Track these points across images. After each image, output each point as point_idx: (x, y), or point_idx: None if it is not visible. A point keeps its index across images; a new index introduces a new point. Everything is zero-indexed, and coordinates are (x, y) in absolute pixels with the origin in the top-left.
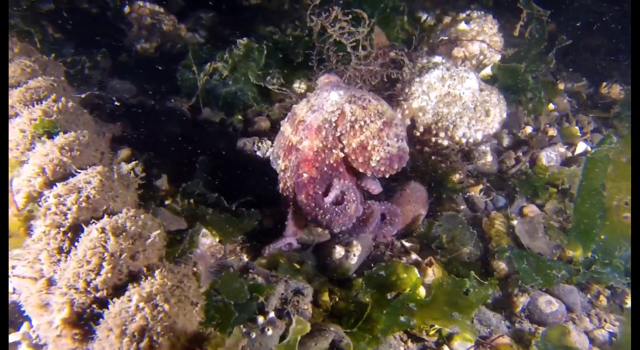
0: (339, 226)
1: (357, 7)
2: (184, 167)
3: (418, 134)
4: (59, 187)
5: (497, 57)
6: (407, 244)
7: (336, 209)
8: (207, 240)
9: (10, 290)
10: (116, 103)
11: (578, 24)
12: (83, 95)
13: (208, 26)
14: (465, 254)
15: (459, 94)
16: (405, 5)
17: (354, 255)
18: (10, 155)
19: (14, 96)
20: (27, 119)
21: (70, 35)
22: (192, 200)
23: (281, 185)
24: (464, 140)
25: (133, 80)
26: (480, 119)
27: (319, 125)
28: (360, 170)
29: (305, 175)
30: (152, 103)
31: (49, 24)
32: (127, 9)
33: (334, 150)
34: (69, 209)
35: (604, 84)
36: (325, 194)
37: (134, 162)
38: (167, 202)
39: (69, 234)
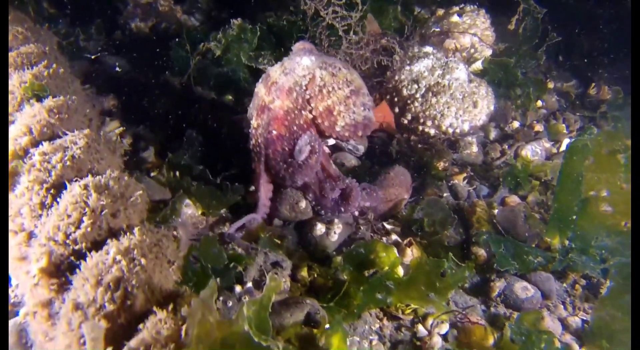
0: (301, 178)
1: None
2: (173, 142)
3: (406, 121)
4: (45, 146)
5: (489, 52)
6: (388, 226)
7: (299, 162)
8: (189, 210)
9: None
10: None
11: (570, 25)
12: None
13: (204, 10)
14: (446, 237)
15: (447, 84)
16: None
17: (335, 233)
18: None
19: (9, 60)
20: (16, 81)
21: (65, 10)
22: (177, 172)
23: (252, 141)
24: (450, 130)
25: (126, 57)
26: (468, 110)
27: (290, 87)
28: (326, 133)
29: (274, 132)
30: (143, 79)
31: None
32: None
33: (303, 112)
34: (54, 167)
35: (593, 84)
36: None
37: (121, 128)
38: (152, 174)
39: (52, 191)
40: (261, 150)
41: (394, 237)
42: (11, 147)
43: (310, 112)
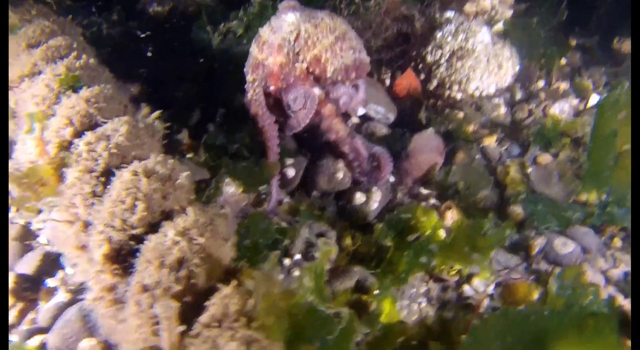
0: (290, 129)
1: None
2: (203, 123)
3: (432, 88)
4: (89, 135)
5: (509, 13)
6: (424, 191)
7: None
8: (230, 188)
9: (44, 241)
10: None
11: None
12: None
13: None
14: (482, 198)
15: (471, 47)
16: None
17: (374, 201)
18: (37, 109)
19: (36, 54)
20: (51, 74)
21: (82, 1)
22: (213, 152)
23: (250, 94)
24: (477, 93)
25: (147, 42)
26: (493, 72)
27: (279, 43)
28: (321, 80)
29: (272, 87)
30: (166, 63)
31: None
32: None
33: (296, 64)
34: (100, 155)
35: (616, 39)
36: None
37: (157, 112)
38: (188, 156)
39: (101, 179)
40: (260, 101)
41: (432, 201)
42: (56, 139)
43: (302, 62)
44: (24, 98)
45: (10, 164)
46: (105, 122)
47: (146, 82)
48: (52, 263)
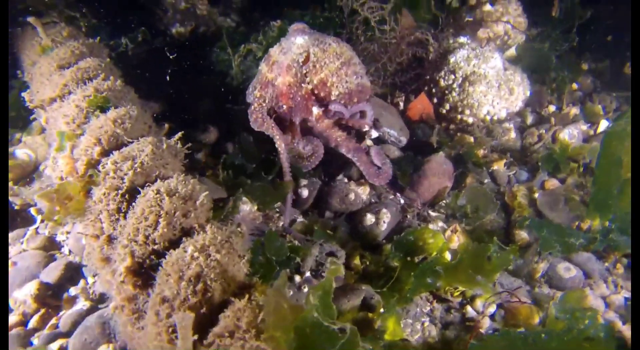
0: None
1: None
2: (222, 142)
3: (444, 111)
4: (116, 155)
5: (522, 37)
6: (433, 213)
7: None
8: (246, 206)
9: (66, 252)
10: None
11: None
12: None
13: (238, 9)
14: (489, 222)
15: (483, 72)
16: None
17: (384, 222)
18: (67, 128)
19: (67, 75)
20: (81, 95)
21: (106, 19)
22: (231, 171)
23: (254, 106)
24: (488, 118)
25: (170, 63)
26: (505, 97)
27: (289, 64)
28: (325, 101)
29: (284, 106)
30: (187, 82)
31: (86, 8)
32: None
33: (303, 85)
34: (126, 174)
35: (628, 63)
36: (303, 121)
37: (180, 133)
38: (207, 174)
39: (126, 196)
40: (266, 119)
41: (440, 224)
42: (85, 157)
43: (308, 84)
44: (55, 116)
45: (42, 180)
46: (131, 142)
47: (168, 100)
48: (74, 272)
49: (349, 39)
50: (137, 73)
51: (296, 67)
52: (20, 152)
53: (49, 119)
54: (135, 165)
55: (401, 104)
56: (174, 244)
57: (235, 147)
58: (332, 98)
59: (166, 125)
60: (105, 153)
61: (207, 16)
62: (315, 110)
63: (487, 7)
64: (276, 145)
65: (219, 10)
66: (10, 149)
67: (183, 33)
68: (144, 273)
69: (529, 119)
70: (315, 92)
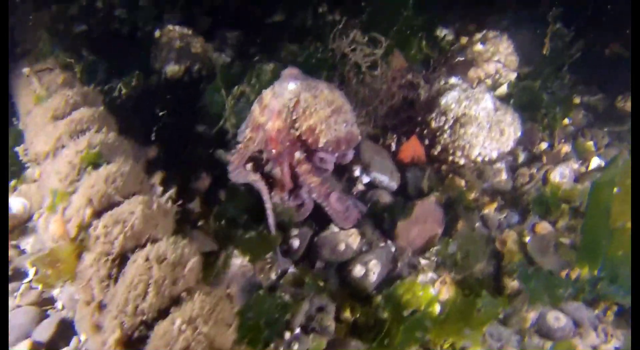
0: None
1: (375, 27)
2: (215, 189)
3: (436, 153)
4: (107, 218)
5: (513, 75)
6: (423, 261)
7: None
8: (237, 260)
9: (60, 306)
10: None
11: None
12: None
13: (234, 45)
14: (479, 270)
15: (474, 114)
16: (423, 20)
17: (374, 273)
18: (60, 185)
19: (61, 128)
20: (74, 151)
21: (103, 56)
22: (223, 222)
23: (241, 145)
24: (479, 159)
25: (163, 102)
26: (496, 138)
27: (280, 109)
28: (312, 147)
29: (273, 151)
30: (180, 124)
31: (83, 46)
32: (157, 33)
33: (291, 130)
34: (116, 239)
35: (620, 97)
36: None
37: (172, 190)
38: (200, 223)
39: (117, 262)
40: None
41: (430, 274)
42: (76, 219)
43: (297, 130)
44: (48, 172)
45: (34, 244)
46: (122, 201)
47: (162, 143)
48: (67, 329)
49: (341, 81)
50: (131, 115)
51: (286, 112)
52: (16, 202)
53: (43, 174)
54: (126, 230)
55: (393, 146)
56: (163, 313)
57: (226, 195)
58: (320, 145)
59: (159, 175)
60: (97, 213)
61: (202, 53)
62: (298, 155)
63: (478, 47)
64: (263, 198)
65: (214, 46)
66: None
67: (177, 72)
68: (133, 344)
69: (521, 158)
70: (303, 137)
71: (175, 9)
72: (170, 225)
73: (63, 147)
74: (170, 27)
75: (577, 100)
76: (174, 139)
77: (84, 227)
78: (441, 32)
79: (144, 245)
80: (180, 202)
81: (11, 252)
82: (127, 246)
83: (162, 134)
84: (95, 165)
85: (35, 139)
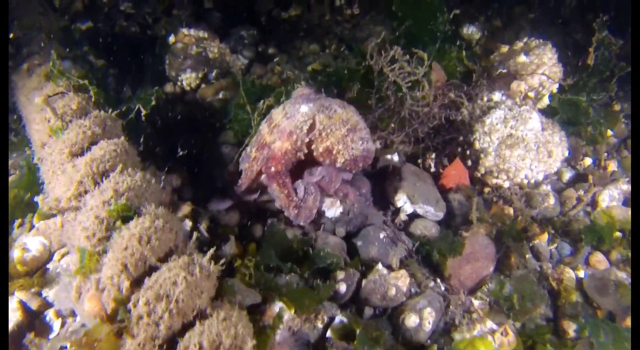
0: (305, 219)
1: (413, 43)
2: (245, 221)
3: (479, 175)
4: (148, 292)
5: (555, 86)
6: (476, 302)
7: (300, 202)
8: (285, 315)
9: None
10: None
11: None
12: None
13: (250, 44)
14: (539, 315)
15: (521, 135)
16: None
17: (428, 322)
18: (87, 243)
19: (81, 169)
20: (100, 201)
21: (112, 61)
22: (263, 268)
23: (247, 165)
24: (525, 182)
25: (181, 116)
26: (543, 160)
27: (291, 130)
28: (331, 168)
29: (273, 169)
30: (202, 144)
31: (91, 50)
32: (172, 39)
33: (298, 153)
34: (161, 318)
35: None
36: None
37: (212, 250)
38: (236, 265)
39: (164, 347)
40: (253, 174)
41: (489, 324)
42: (113, 291)
43: (304, 155)
44: (73, 225)
45: (58, 294)
46: (158, 266)
47: (186, 167)
48: None
49: (379, 98)
50: (149, 136)
51: (298, 134)
52: (34, 242)
53: (68, 230)
54: (171, 306)
55: (432, 166)
56: None
57: (264, 238)
58: (338, 165)
59: (186, 208)
60: (135, 282)
61: (219, 58)
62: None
63: (522, 58)
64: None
65: (231, 46)
66: (24, 238)
67: (194, 79)
68: None
69: (566, 177)
70: (320, 159)
71: (185, 4)
72: (213, 288)
73: (86, 192)
74: (185, 31)
75: (617, 107)
76: (199, 162)
77: (121, 302)
78: (468, 29)
79: (192, 323)
80: (207, 227)
81: (37, 302)
82: (174, 326)
83: (184, 157)
84: (125, 219)
85: (54, 180)
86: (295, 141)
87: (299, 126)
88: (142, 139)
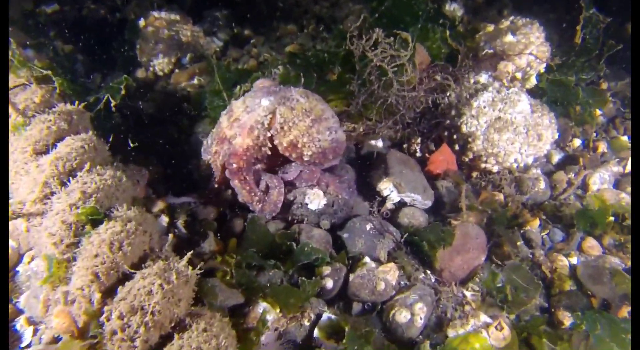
0: (269, 213)
1: (394, 24)
2: (225, 215)
3: (467, 160)
4: (122, 304)
5: (542, 66)
6: (468, 294)
7: (264, 196)
8: (269, 316)
9: None
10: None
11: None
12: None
13: (225, 26)
14: (533, 307)
15: (510, 118)
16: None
17: (420, 318)
18: (55, 250)
19: (46, 169)
20: (66, 204)
21: (80, 45)
22: (244, 267)
23: (210, 161)
24: (515, 165)
25: (152, 104)
26: (533, 144)
27: (252, 125)
28: (298, 162)
29: (234, 165)
30: (176, 134)
31: (58, 36)
32: (142, 23)
33: (263, 148)
34: (136, 332)
35: None
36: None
37: (189, 253)
38: (216, 261)
39: None
40: (219, 167)
41: (483, 317)
42: (84, 304)
43: (269, 149)
44: (38, 229)
45: (28, 300)
46: (132, 272)
47: (159, 159)
48: None
49: (361, 83)
50: (119, 127)
51: (259, 129)
52: None
53: (33, 233)
54: (147, 319)
55: (418, 151)
56: None
57: (245, 233)
58: (305, 159)
59: (161, 203)
60: (107, 292)
61: (193, 41)
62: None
63: (509, 38)
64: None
65: (205, 29)
66: None
67: (166, 65)
68: None
69: (555, 159)
70: (286, 154)
71: None
72: (192, 294)
73: (52, 193)
74: (155, 14)
75: (604, 85)
76: (172, 153)
77: (93, 316)
78: (450, 6)
79: (170, 335)
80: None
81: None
82: (150, 340)
83: (157, 148)
84: (94, 222)
85: (17, 181)
86: (256, 137)
87: (260, 121)
88: (111, 132)
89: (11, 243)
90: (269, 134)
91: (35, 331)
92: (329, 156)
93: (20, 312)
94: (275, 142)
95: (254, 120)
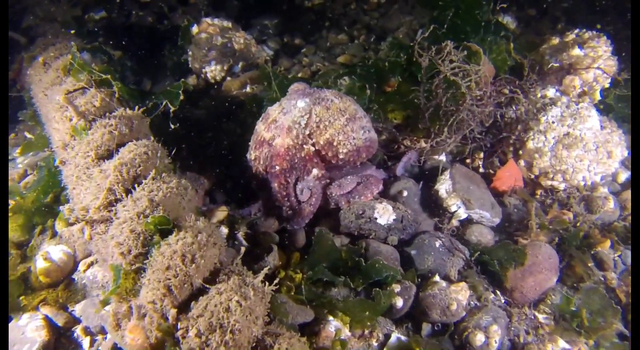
0: (295, 224)
1: (455, 35)
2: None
3: (532, 176)
4: (199, 322)
5: (608, 81)
6: (541, 316)
7: (298, 206)
8: (342, 335)
9: None
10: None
11: None
12: None
13: (275, 35)
14: (613, 333)
15: (579, 134)
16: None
17: (495, 341)
18: (123, 260)
19: (110, 175)
20: (134, 213)
21: (129, 52)
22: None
23: (253, 170)
24: (582, 184)
25: (206, 110)
26: (602, 161)
27: (289, 125)
28: (333, 162)
29: (277, 167)
30: (233, 141)
31: (106, 42)
32: (195, 29)
33: (305, 146)
34: None
35: None
36: (296, 183)
37: (266, 268)
38: (280, 276)
39: None
40: (262, 177)
41: (562, 344)
42: (157, 318)
43: (313, 145)
44: (105, 239)
45: (85, 309)
46: (207, 287)
47: (218, 167)
48: None
49: (427, 97)
50: (179, 136)
51: (297, 128)
52: (56, 251)
53: (97, 242)
54: (227, 338)
55: (480, 166)
56: None
57: (312, 247)
58: (340, 157)
59: (221, 212)
60: (180, 307)
61: (245, 49)
62: (316, 172)
63: (576, 51)
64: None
65: (255, 36)
66: (45, 247)
67: (219, 72)
68: None
69: (622, 177)
70: (322, 152)
71: None
72: (265, 311)
73: (116, 200)
74: (209, 21)
75: None
76: (228, 162)
77: (168, 333)
78: (504, 18)
79: None
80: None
81: (63, 318)
82: None
83: (213, 156)
84: (163, 232)
85: (80, 186)
86: (296, 136)
87: (297, 121)
88: (170, 138)
89: (66, 249)
90: (307, 132)
91: (93, 342)
92: (363, 154)
93: (77, 320)
94: (313, 141)
95: (291, 121)
